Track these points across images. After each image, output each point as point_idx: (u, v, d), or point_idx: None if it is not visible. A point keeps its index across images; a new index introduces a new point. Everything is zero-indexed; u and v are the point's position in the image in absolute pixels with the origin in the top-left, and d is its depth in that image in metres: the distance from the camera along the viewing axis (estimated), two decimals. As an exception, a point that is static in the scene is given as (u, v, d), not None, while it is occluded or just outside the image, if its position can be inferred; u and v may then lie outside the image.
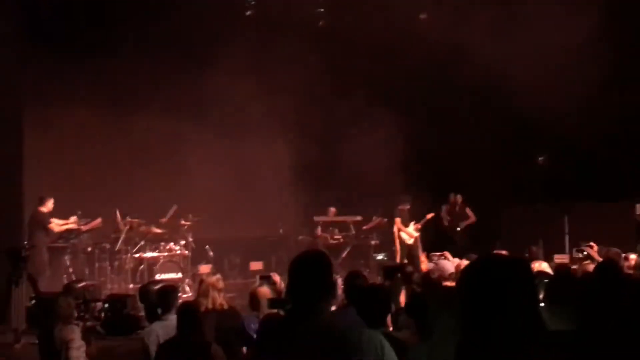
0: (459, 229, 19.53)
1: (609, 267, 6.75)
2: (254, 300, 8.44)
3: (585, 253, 13.00)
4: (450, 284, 8.52)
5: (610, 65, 16.47)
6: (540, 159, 17.91)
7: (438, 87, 19.89)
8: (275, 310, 7.94)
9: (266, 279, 9.75)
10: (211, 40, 18.45)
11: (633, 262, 11.87)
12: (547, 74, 17.36)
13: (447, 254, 13.40)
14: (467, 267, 2.95)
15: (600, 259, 11.38)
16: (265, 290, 8.41)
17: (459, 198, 19.76)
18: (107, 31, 18.00)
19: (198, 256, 17.53)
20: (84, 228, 16.29)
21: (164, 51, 18.22)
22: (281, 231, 20.25)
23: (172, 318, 7.80)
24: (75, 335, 7.93)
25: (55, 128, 17.71)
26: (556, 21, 17.07)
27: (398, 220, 18.70)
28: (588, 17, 16.33)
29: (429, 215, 18.89)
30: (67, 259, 16.06)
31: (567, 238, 17.04)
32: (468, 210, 19.61)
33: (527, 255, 16.00)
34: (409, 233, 18.62)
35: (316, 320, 3.87)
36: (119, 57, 17.69)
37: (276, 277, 9.80)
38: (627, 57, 16.56)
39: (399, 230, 18.72)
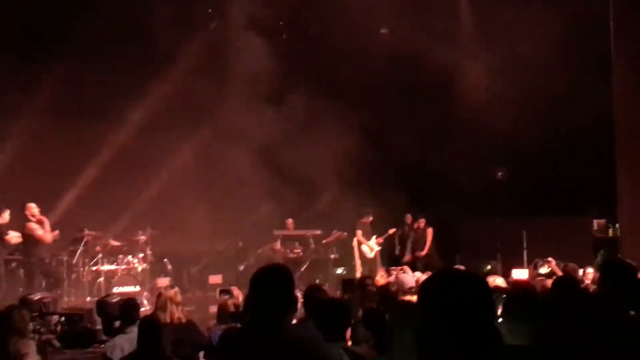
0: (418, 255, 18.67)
1: (567, 282, 6.82)
2: (222, 313, 8.41)
3: (549, 269, 13.08)
4: (410, 297, 8.54)
5: (570, 80, 16.67)
6: (499, 173, 18.00)
7: (398, 99, 19.95)
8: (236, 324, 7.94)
9: (226, 292, 9.70)
10: (173, 46, 18.38)
11: (591, 276, 12.00)
12: (509, 88, 17.58)
13: (407, 267, 13.47)
14: (425, 280, 2.97)
15: (562, 274, 11.49)
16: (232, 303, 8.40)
17: (422, 222, 19.01)
18: (66, 39, 17.80)
19: (156, 269, 17.41)
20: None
21: (122, 56, 18.06)
22: (240, 244, 20.12)
23: (135, 330, 7.75)
24: (30, 350, 7.81)
25: (11, 137, 17.51)
26: (517, 35, 17.29)
27: (359, 232, 18.72)
28: (549, 32, 16.55)
29: (391, 231, 18.93)
30: (23, 272, 15.84)
31: (525, 253, 17.15)
32: (429, 233, 18.84)
33: (485, 269, 16.13)
34: (370, 246, 18.65)
35: (277, 334, 3.86)
36: (75, 64, 17.51)
37: (236, 291, 9.76)
38: (587, 72, 16.71)
39: (360, 243, 18.73)
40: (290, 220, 19.74)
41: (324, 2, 18.95)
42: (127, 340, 7.69)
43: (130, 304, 8.37)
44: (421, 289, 2.92)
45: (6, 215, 15.53)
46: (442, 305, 2.76)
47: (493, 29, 17.92)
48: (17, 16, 17.29)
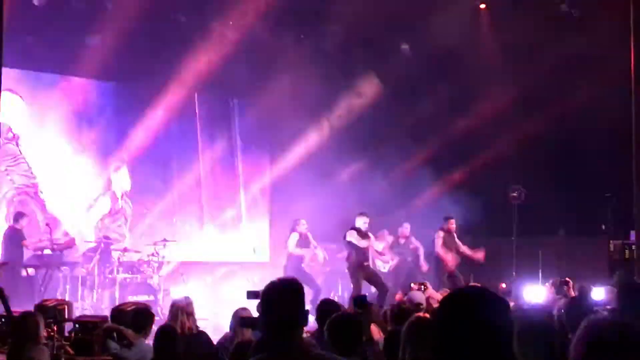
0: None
1: (578, 303, 6.82)
2: (234, 321, 8.38)
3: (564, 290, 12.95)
4: (421, 314, 8.48)
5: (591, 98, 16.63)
6: (514, 192, 17.85)
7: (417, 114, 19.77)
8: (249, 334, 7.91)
9: (254, 295, 9.65)
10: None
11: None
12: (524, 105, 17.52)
13: (427, 283, 13.32)
14: (449, 297, 2.95)
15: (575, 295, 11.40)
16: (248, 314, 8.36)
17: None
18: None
19: (172, 279, 17.42)
20: (57, 247, 16.17)
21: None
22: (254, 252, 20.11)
23: (144, 341, 7.78)
24: (43, 356, 7.84)
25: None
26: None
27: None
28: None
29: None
30: (39, 278, 15.90)
31: (540, 272, 17.05)
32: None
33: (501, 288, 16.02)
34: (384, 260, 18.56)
35: (290, 347, 3.88)
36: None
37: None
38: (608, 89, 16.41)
39: (374, 257, 18.63)
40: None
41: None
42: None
43: (141, 311, 8.35)
44: (444, 305, 2.91)
45: (24, 222, 15.63)
46: (460, 322, 2.75)
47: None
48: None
